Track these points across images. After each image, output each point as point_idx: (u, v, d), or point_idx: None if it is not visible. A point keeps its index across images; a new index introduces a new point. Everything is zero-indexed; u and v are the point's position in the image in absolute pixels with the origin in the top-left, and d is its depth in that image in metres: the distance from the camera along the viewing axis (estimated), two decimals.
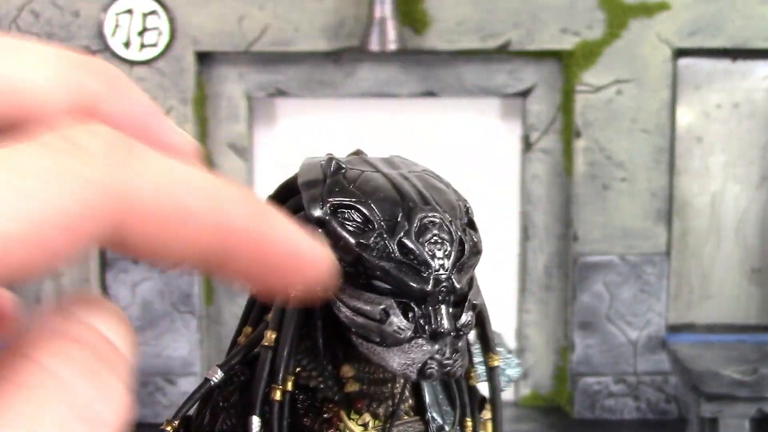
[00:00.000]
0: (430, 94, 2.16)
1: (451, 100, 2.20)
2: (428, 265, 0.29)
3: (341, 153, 0.42)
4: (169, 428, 0.39)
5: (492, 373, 0.36)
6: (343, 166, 0.33)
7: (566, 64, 2.10)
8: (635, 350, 2.14)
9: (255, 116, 2.19)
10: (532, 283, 2.22)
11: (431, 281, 0.29)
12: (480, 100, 2.21)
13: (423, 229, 0.30)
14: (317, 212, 0.33)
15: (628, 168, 2.09)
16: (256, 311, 0.41)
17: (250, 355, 0.40)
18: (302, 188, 0.36)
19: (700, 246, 2.24)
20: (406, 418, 0.37)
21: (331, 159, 0.33)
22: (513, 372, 0.41)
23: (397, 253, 0.30)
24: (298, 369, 0.39)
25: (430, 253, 0.29)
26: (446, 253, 0.29)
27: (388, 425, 0.35)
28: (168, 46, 2.02)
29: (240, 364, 0.41)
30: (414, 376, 0.32)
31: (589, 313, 2.13)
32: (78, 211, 0.20)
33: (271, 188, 0.42)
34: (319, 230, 0.32)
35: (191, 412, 0.42)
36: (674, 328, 2.20)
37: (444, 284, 0.29)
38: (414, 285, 0.29)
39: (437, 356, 0.31)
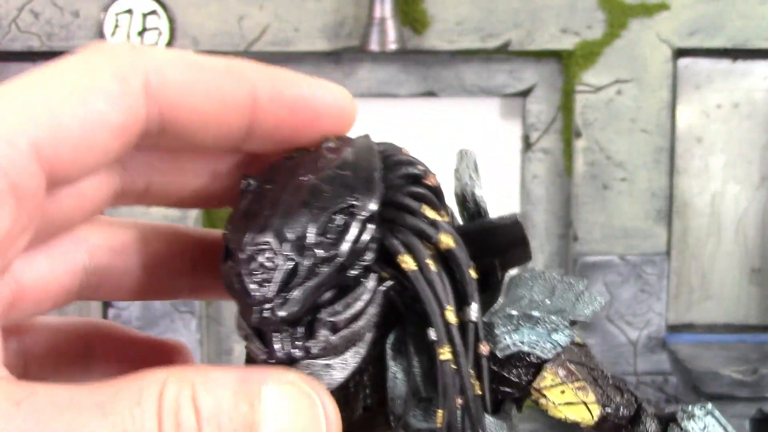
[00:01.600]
0: (430, 94, 2.16)
1: (451, 100, 2.20)
2: (250, 297, 0.28)
3: None
4: None
5: (478, 364, 0.35)
6: (251, 184, 0.32)
7: (566, 64, 2.10)
8: (635, 350, 2.14)
9: None
10: None
11: (252, 313, 0.28)
12: (480, 100, 2.21)
13: (249, 259, 0.28)
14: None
15: (628, 168, 2.09)
16: None
17: None
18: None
19: (700, 246, 2.24)
20: (366, 414, 0.36)
21: (244, 176, 0.33)
22: (560, 337, 0.38)
23: (235, 284, 0.29)
24: None
25: (252, 284, 0.28)
26: (269, 281, 0.28)
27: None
28: (168, 46, 2.02)
29: None
30: None
31: None
32: (124, 104, 0.23)
33: None
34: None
35: None
36: (674, 328, 2.20)
37: (265, 315, 0.28)
38: (245, 317, 0.29)
39: None
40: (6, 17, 2.01)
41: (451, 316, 0.32)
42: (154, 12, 2.03)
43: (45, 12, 2.02)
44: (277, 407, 0.22)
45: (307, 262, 0.29)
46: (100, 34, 2.03)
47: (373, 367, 0.34)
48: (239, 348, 2.27)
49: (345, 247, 0.29)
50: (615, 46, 2.05)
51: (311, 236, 0.29)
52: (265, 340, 0.29)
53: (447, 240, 0.32)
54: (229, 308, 2.22)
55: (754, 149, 2.19)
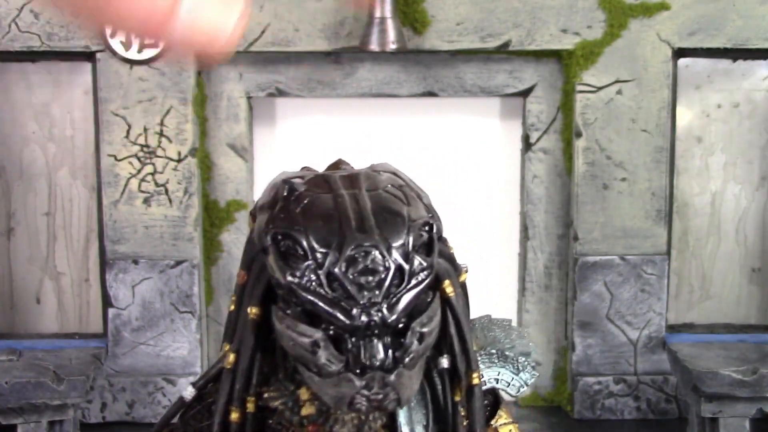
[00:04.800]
0: (430, 94, 2.16)
1: (451, 100, 2.20)
2: (354, 299, 0.28)
3: (342, 153, 0.41)
4: None
5: (470, 394, 0.35)
6: (297, 188, 0.32)
7: (566, 64, 2.10)
8: (635, 350, 2.14)
9: (255, 116, 2.19)
10: (532, 283, 2.22)
11: (358, 315, 0.27)
12: (480, 100, 2.21)
13: (353, 260, 0.28)
14: (264, 241, 0.32)
15: (628, 168, 2.09)
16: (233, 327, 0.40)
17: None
18: (258, 212, 0.35)
19: (700, 246, 2.24)
20: None
21: (285, 182, 0.32)
22: (527, 376, 0.40)
23: (326, 286, 0.29)
24: (263, 389, 0.38)
25: (358, 286, 0.28)
26: (376, 284, 0.28)
27: None
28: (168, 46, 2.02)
29: (213, 383, 0.40)
30: (345, 409, 0.31)
31: (589, 313, 2.13)
32: None
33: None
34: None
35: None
36: (674, 328, 2.20)
37: (373, 318, 0.27)
38: (341, 319, 0.28)
39: (364, 391, 0.30)
40: (6, 17, 2.01)
41: (474, 343, 0.33)
42: None
43: (45, 12, 2.02)
44: None
45: (412, 269, 0.29)
46: (101, 34, 2.03)
47: None
48: None
49: (435, 259, 0.30)
50: (615, 46, 2.05)
51: (411, 245, 0.29)
52: (342, 349, 0.29)
53: (464, 274, 0.34)
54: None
55: (754, 149, 2.19)
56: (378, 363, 0.28)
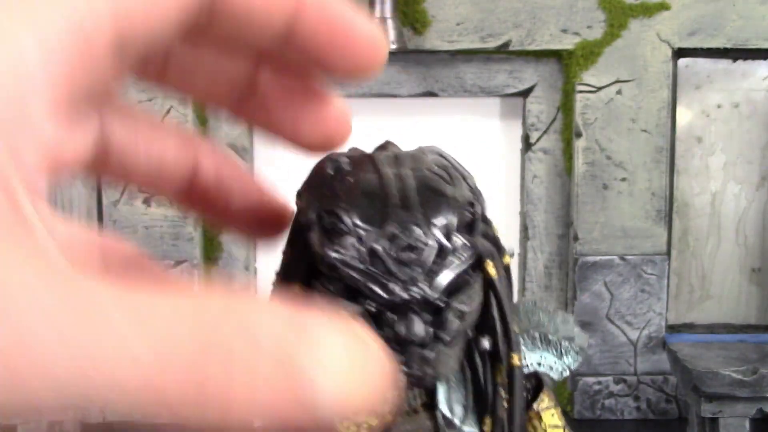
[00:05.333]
0: (430, 94, 2.16)
1: (451, 100, 2.20)
2: (395, 275, 0.28)
3: (368, 146, 0.41)
4: None
5: (510, 376, 0.35)
6: (342, 167, 0.33)
7: (566, 64, 2.10)
8: (635, 350, 2.14)
9: None
10: (532, 283, 2.22)
11: (398, 291, 0.28)
12: (480, 100, 2.21)
13: (394, 237, 0.28)
14: (309, 218, 0.33)
15: (628, 168, 2.09)
16: None
17: None
18: (304, 191, 0.35)
19: (700, 246, 2.24)
20: (412, 415, 0.36)
21: (331, 161, 0.33)
22: (570, 360, 0.40)
23: (368, 262, 0.29)
24: None
25: (398, 262, 0.28)
26: (417, 261, 0.28)
27: (389, 423, 0.35)
28: None
29: None
30: None
31: (589, 313, 2.13)
32: None
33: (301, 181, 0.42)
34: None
35: None
36: (674, 328, 2.20)
37: (413, 294, 0.28)
38: (381, 294, 0.28)
39: (403, 368, 0.30)
40: None
41: (515, 326, 0.33)
42: None
43: None
44: (325, 344, 0.20)
45: (453, 248, 0.29)
46: None
47: None
48: None
49: (478, 240, 0.30)
50: (615, 46, 2.04)
51: (455, 224, 0.30)
52: (381, 324, 0.29)
53: (508, 257, 0.34)
54: None
55: (754, 149, 2.19)
56: (418, 339, 0.28)
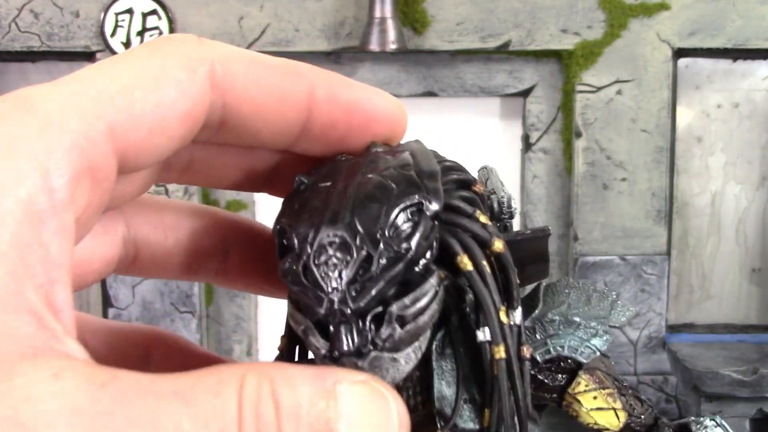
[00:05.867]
0: (430, 94, 2.16)
1: (451, 100, 2.20)
2: (321, 288, 0.28)
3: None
4: None
5: (509, 368, 0.35)
6: (302, 183, 0.33)
7: (566, 64, 2.10)
8: (635, 350, 2.15)
9: None
10: None
11: (323, 304, 0.28)
12: (480, 100, 2.21)
13: (321, 251, 0.29)
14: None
15: (628, 168, 2.09)
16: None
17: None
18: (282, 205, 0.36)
19: (700, 246, 2.24)
20: (412, 413, 0.36)
21: (301, 175, 0.33)
22: (599, 342, 0.40)
23: (302, 277, 0.29)
24: None
25: (324, 275, 0.28)
26: (340, 272, 0.29)
27: None
28: None
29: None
30: None
31: None
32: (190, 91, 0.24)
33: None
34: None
35: None
36: (674, 328, 2.20)
37: (336, 306, 0.28)
38: (314, 308, 0.29)
39: None
40: (6, 17, 2.01)
41: (504, 317, 0.33)
42: (154, 12, 2.03)
43: (45, 12, 2.02)
44: (351, 404, 0.22)
45: (380, 255, 0.29)
46: (101, 34, 2.03)
47: (417, 367, 0.33)
48: (239, 348, 2.27)
49: (415, 242, 0.30)
50: (615, 46, 2.05)
51: (384, 230, 0.29)
52: (328, 335, 0.29)
53: (499, 244, 0.33)
54: (229, 308, 2.22)
55: (754, 149, 2.19)
56: (345, 349, 0.29)
